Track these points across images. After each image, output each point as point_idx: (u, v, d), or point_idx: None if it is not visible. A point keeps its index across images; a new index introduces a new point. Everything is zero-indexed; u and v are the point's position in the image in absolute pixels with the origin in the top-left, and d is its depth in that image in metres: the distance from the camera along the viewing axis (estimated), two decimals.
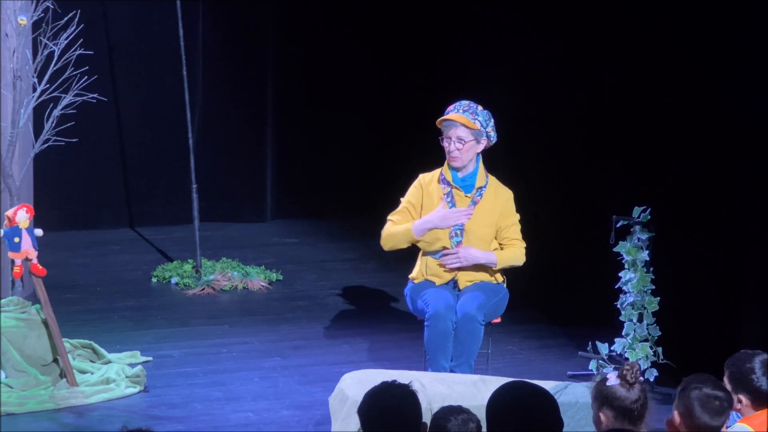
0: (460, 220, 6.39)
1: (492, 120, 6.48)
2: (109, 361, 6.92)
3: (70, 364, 6.60)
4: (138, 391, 6.63)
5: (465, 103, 6.49)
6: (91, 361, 6.94)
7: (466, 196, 6.47)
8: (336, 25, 9.88)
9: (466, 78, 9.02)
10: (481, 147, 6.47)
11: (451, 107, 6.50)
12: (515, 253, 6.49)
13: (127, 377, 6.70)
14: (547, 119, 8.49)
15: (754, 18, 6.78)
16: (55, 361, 6.61)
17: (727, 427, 4.86)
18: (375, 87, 10.00)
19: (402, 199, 6.58)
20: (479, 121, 6.42)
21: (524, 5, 8.55)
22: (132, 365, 6.86)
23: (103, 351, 7.01)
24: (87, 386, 6.57)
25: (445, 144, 6.43)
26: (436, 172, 6.56)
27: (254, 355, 7.24)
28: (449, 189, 6.48)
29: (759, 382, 4.76)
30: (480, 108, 6.48)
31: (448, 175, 6.48)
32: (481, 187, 6.47)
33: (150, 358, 7.07)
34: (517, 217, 6.55)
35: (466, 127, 6.40)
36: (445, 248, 6.46)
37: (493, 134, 6.49)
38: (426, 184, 6.54)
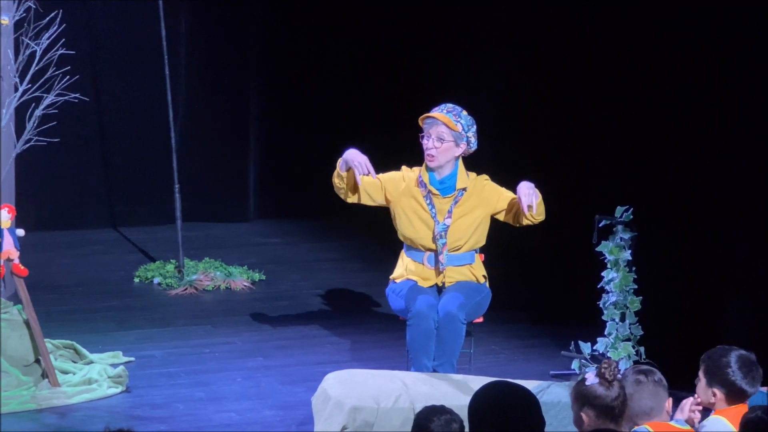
0: (362, 166, 6.28)
1: (474, 126, 6.47)
2: (91, 362, 6.90)
3: (52, 364, 6.58)
4: (120, 391, 6.61)
5: (450, 105, 6.49)
6: (73, 361, 6.92)
7: (444, 198, 6.44)
8: (320, 24, 9.88)
9: (451, 78, 9.03)
10: (459, 151, 6.44)
11: (435, 108, 6.50)
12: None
13: (109, 377, 6.68)
14: (530, 119, 8.50)
15: (736, 18, 6.80)
16: (37, 361, 6.59)
17: (699, 422, 4.90)
18: (358, 86, 9.99)
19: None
20: (461, 124, 6.41)
21: (509, 6, 8.56)
22: (114, 365, 6.85)
23: (85, 351, 6.99)
24: (69, 387, 6.55)
25: (424, 141, 6.43)
26: (416, 170, 6.54)
27: (237, 355, 7.23)
28: (427, 192, 6.46)
29: (734, 376, 4.81)
30: (464, 113, 6.46)
31: (426, 177, 6.46)
32: (462, 189, 6.45)
33: (132, 359, 7.06)
34: (503, 188, 6.51)
35: (447, 127, 6.39)
36: (429, 250, 6.45)
37: (473, 141, 6.47)
38: (408, 178, 6.49)
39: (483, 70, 8.82)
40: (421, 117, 6.46)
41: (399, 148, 8.31)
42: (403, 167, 6.59)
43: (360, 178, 6.30)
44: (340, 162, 6.40)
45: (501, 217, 6.50)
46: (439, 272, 6.46)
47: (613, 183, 7.55)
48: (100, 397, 6.53)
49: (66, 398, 6.45)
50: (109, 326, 7.61)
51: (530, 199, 6.21)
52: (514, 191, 6.37)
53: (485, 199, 6.47)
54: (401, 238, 6.55)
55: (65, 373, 6.72)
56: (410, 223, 6.45)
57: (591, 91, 7.96)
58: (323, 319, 7.91)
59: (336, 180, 6.45)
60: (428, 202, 6.45)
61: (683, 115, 7.15)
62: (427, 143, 6.42)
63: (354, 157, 6.31)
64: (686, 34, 7.12)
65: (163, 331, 7.57)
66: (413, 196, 6.47)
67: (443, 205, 6.44)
